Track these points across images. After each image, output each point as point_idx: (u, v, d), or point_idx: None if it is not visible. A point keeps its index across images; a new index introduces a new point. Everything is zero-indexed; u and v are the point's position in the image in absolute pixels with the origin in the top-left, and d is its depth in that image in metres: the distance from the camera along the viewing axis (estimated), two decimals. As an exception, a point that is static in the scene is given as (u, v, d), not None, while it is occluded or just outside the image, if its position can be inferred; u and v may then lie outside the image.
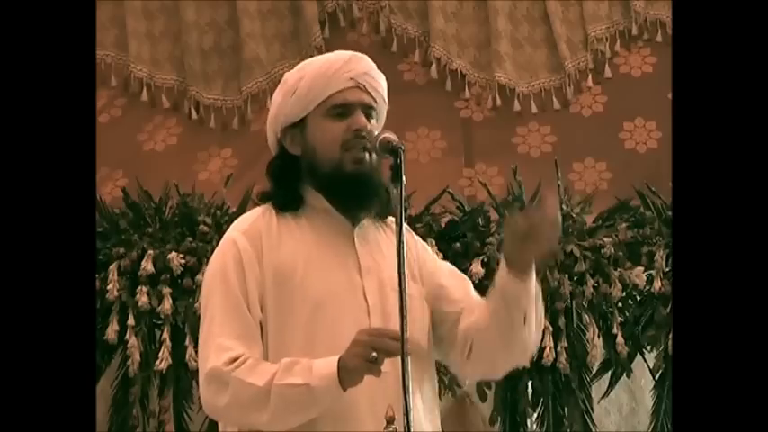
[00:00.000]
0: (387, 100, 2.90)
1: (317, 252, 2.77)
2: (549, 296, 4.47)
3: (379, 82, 2.87)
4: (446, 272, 2.93)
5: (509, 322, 2.73)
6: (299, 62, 2.95)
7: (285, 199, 2.83)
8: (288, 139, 2.85)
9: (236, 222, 2.86)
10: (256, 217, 2.83)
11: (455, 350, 2.83)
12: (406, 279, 2.61)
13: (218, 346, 2.68)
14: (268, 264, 2.75)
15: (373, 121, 2.84)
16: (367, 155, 2.78)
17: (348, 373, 2.60)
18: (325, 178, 2.80)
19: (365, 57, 2.90)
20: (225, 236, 2.83)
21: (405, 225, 2.76)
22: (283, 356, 2.67)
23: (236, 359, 2.66)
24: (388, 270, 2.75)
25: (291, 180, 2.83)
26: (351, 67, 2.83)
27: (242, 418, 2.68)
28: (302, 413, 2.64)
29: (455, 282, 2.91)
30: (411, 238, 2.90)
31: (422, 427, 2.72)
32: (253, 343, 2.70)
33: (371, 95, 2.84)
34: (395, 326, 2.63)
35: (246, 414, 2.65)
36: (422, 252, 2.92)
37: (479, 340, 2.79)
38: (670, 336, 4.44)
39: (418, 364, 2.71)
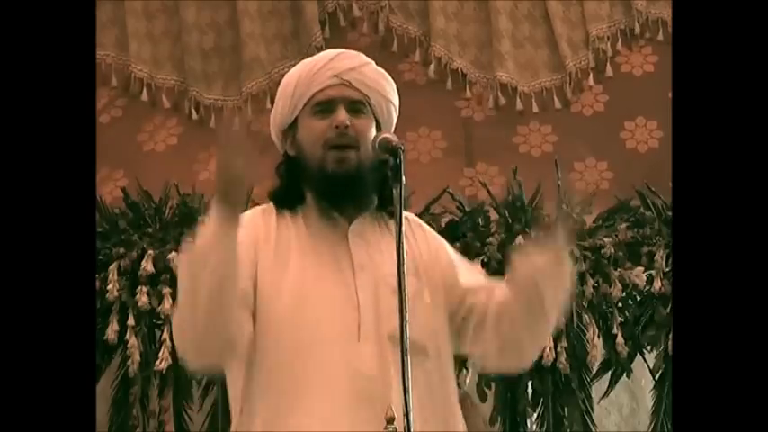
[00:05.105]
0: (390, 96, 2.85)
1: (310, 250, 2.75)
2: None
3: (372, 77, 2.82)
4: (464, 268, 2.88)
5: (539, 304, 2.72)
6: (299, 62, 2.94)
7: (282, 198, 2.82)
8: (287, 141, 2.85)
9: None
10: (255, 213, 2.83)
11: (476, 339, 2.80)
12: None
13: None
14: (262, 255, 2.73)
15: (364, 116, 2.79)
16: (353, 152, 2.74)
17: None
18: (313, 177, 2.78)
19: (357, 54, 2.87)
20: None
21: (419, 221, 2.80)
22: (269, 347, 2.66)
23: None
24: (385, 267, 2.73)
25: (291, 181, 2.82)
26: (335, 64, 2.80)
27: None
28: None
29: (473, 276, 2.87)
30: (419, 233, 2.87)
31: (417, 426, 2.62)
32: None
33: (360, 91, 2.79)
34: (387, 323, 2.64)
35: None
36: (431, 248, 2.86)
37: (503, 326, 2.76)
38: (670, 336, 4.44)
39: (418, 361, 2.66)
